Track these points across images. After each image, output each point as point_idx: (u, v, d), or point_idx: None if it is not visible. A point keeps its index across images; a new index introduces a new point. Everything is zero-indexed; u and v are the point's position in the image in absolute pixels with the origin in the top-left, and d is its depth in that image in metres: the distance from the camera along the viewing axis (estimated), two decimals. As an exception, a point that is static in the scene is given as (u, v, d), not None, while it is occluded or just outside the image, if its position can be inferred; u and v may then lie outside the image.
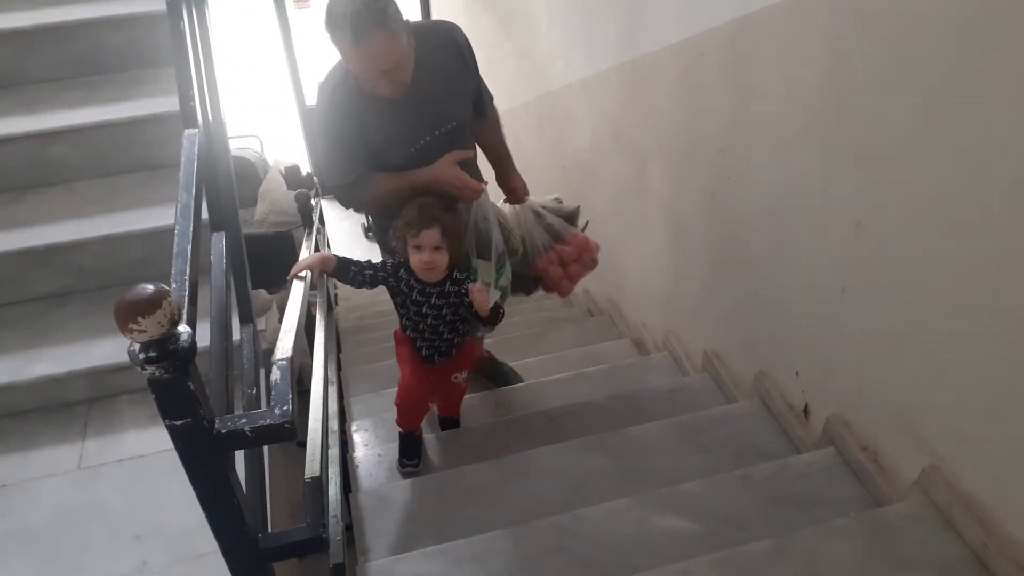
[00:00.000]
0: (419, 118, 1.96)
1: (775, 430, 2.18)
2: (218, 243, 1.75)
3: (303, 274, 1.85)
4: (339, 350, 3.93)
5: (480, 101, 2.19)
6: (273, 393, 1.13)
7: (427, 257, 1.88)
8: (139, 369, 0.98)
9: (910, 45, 1.41)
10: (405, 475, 2.28)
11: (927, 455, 1.62)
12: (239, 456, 1.52)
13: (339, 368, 3.53)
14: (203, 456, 1.08)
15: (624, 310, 3.47)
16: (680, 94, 2.47)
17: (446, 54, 2.02)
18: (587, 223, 2.40)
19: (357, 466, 2.41)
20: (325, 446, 1.62)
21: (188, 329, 1.00)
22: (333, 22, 1.70)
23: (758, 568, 1.62)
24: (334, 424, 2.31)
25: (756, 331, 2.30)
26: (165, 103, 2.30)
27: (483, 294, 1.92)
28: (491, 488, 2.10)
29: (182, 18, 1.66)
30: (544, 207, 2.33)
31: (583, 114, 3.46)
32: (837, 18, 1.61)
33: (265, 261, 4.03)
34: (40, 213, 2.26)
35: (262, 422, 1.08)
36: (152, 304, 0.94)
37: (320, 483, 1.35)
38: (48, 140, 2.29)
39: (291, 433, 1.10)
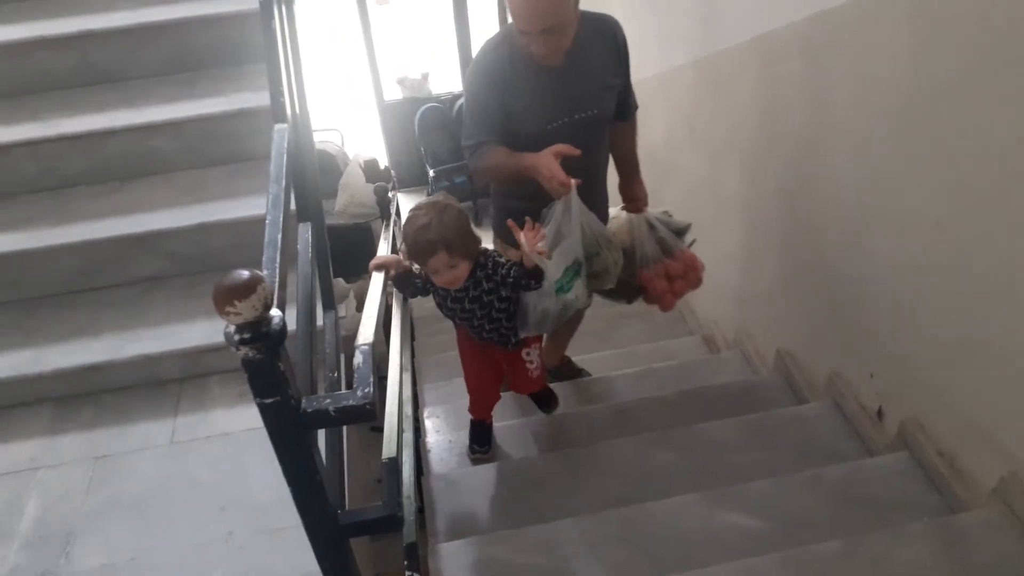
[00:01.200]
0: (564, 94, 1.95)
1: (848, 432, 2.15)
2: (304, 233, 1.83)
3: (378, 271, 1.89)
4: (413, 338, 4.03)
5: (626, 103, 2.18)
6: (356, 376, 1.18)
7: (447, 277, 1.81)
8: (234, 349, 1.04)
9: (1000, 43, 1.38)
10: (475, 461, 2.33)
11: (1006, 462, 1.58)
12: (320, 436, 1.59)
13: (413, 356, 3.62)
14: (290, 433, 1.14)
15: (695, 307, 3.45)
16: (757, 90, 2.45)
17: (604, 44, 2.01)
18: (694, 241, 2.38)
19: (429, 451, 2.48)
20: (401, 430, 1.68)
21: (280, 313, 1.06)
22: None
23: (826, 569, 1.61)
24: (408, 409, 2.38)
25: (830, 331, 2.27)
26: (255, 98, 2.40)
27: (531, 235, 1.78)
28: (558, 478, 2.14)
29: (274, 16, 1.74)
30: (659, 219, 2.32)
31: (658, 109, 3.45)
32: (920, 15, 1.58)
33: (344, 251, 4.15)
34: (139, 201, 2.39)
35: (345, 403, 1.14)
36: (248, 289, 1.00)
37: (396, 464, 1.40)
38: (147, 133, 2.42)
39: (372, 414, 1.16)
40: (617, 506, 1.99)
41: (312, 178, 2.01)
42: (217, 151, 2.47)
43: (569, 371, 2.86)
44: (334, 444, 1.61)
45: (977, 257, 1.54)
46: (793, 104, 2.22)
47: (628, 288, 2.34)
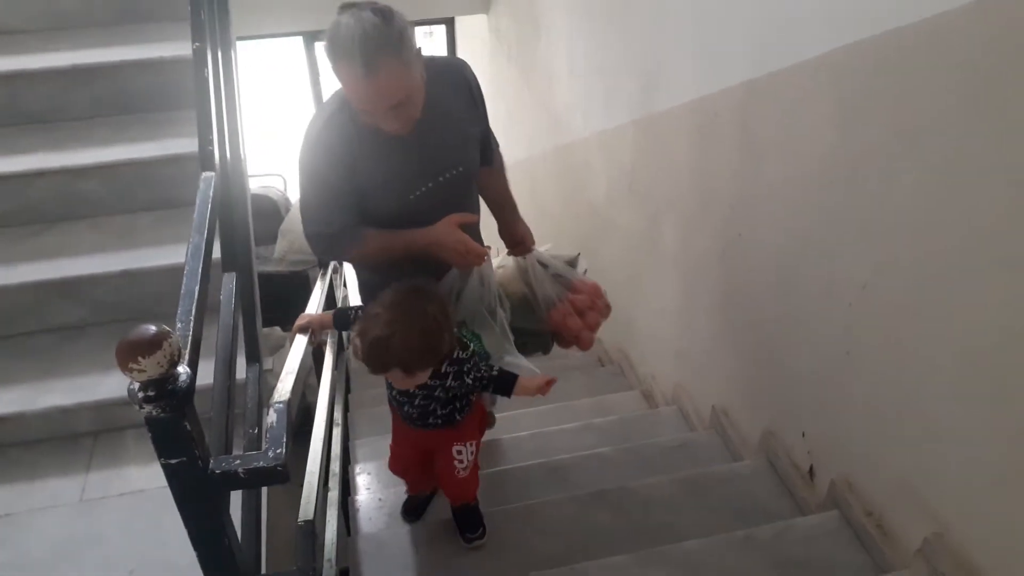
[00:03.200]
0: (422, 161, 1.73)
1: (780, 490, 2.15)
2: (228, 283, 1.78)
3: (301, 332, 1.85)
4: (348, 390, 3.94)
5: (488, 147, 1.99)
6: (268, 436, 1.14)
7: (404, 384, 1.67)
8: (137, 407, 0.99)
9: (913, 115, 1.43)
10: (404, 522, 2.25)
11: (931, 522, 1.59)
12: (236, 496, 1.52)
13: (347, 410, 3.54)
14: (196, 495, 1.09)
15: (634, 361, 3.46)
16: (693, 151, 2.51)
17: (456, 93, 1.81)
18: (586, 270, 2.29)
19: (358, 509, 2.40)
20: (321, 490, 1.63)
21: (187, 370, 1.02)
22: (339, 47, 1.46)
23: (754, 632, 1.59)
24: (336, 467, 2.32)
25: (764, 389, 2.29)
26: (189, 144, 2.34)
27: (537, 384, 1.75)
28: (490, 538, 2.08)
29: (206, 63, 1.71)
30: (550, 256, 2.20)
31: (599, 166, 3.51)
32: (842, 86, 1.63)
33: (281, 299, 4.08)
34: (64, 246, 2.31)
35: (255, 464, 1.09)
36: (153, 345, 0.96)
37: (312, 528, 1.35)
38: (77, 175, 2.35)
39: (284, 476, 1.11)
40: (549, 567, 1.95)
41: (242, 227, 1.97)
42: (147, 196, 2.41)
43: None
44: (251, 503, 1.54)
45: (904, 319, 1.57)
46: (725, 168, 2.27)
47: (539, 337, 2.20)
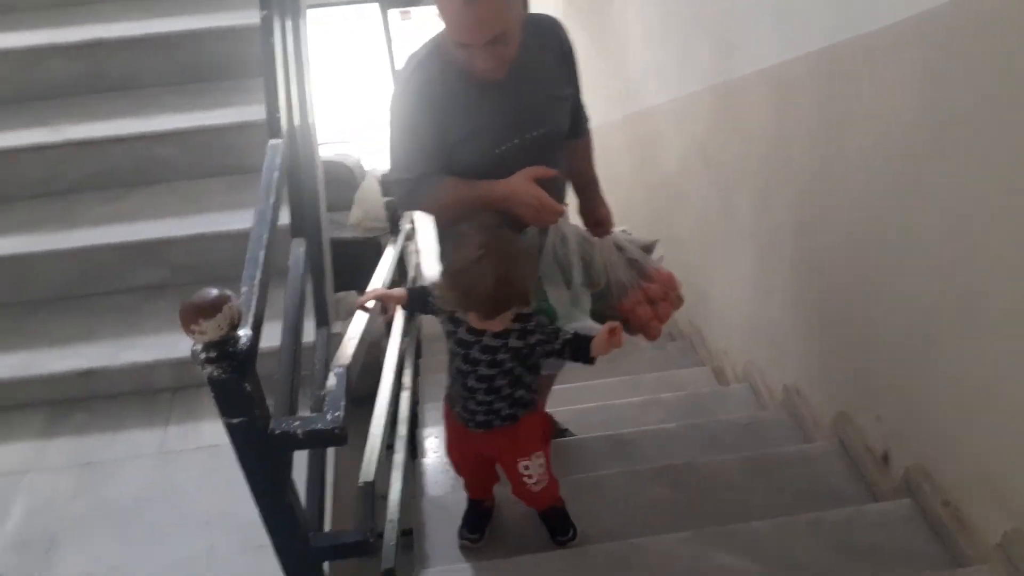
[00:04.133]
0: (512, 113, 1.68)
1: (852, 474, 2.08)
2: (297, 248, 1.81)
3: (369, 304, 1.71)
4: (419, 355, 4.00)
5: (578, 117, 1.94)
6: (328, 399, 1.15)
7: (475, 321, 1.55)
8: (199, 368, 1.02)
9: (1006, 80, 1.33)
10: (463, 548, 1.96)
11: (1013, 517, 1.51)
12: (302, 456, 1.56)
13: (417, 374, 3.58)
14: (257, 454, 1.11)
15: (706, 336, 3.39)
16: (769, 119, 2.41)
17: (551, 49, 1.76)
18: (661, 257, 2.14)
19: (424, 472, 2.44)
20: (385, 452, 1.65)
21: (248, 333, 1.04)
22: None
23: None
24: (404, 430, 2.35)
25: (839, 369, 2.21)
26: (260, 111, 2.38)
27: (615, 340, 1.54)
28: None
29: (273, 33, 1.72)
30: (627, 240, 2.06)
31: (673, 135, 3.42)
32: (929, 51, 1.53)
33: (355, 265, 4.15)
34: (143, 209, 2.40)
35: (314, 426, 1.11)
36: (213, 308, 0.98)
37: (373, 488, 1.37)
38: (153, 141, 2.44)
39: (341, 439, 1.13)
40: (608, 540, 1.94)
41: (310, 193, 1.99)
42: (220, 162, 2.47)
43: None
44: (316, 462, 1.57)
45: (992, 301, 1.48)
46: (803, 137, 2.18)
47: (605, 321, 2.10)
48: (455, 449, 1.88)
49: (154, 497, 1.91)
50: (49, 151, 2.43)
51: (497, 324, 1.52)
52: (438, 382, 3.35)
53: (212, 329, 0.99)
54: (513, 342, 1.58)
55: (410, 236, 5.50)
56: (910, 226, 1.70)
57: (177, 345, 2.17)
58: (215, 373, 1.02)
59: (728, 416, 2.65)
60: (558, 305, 1.80)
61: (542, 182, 1.67)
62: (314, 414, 1.14)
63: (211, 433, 2.07)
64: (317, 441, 1.12)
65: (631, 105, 4.01)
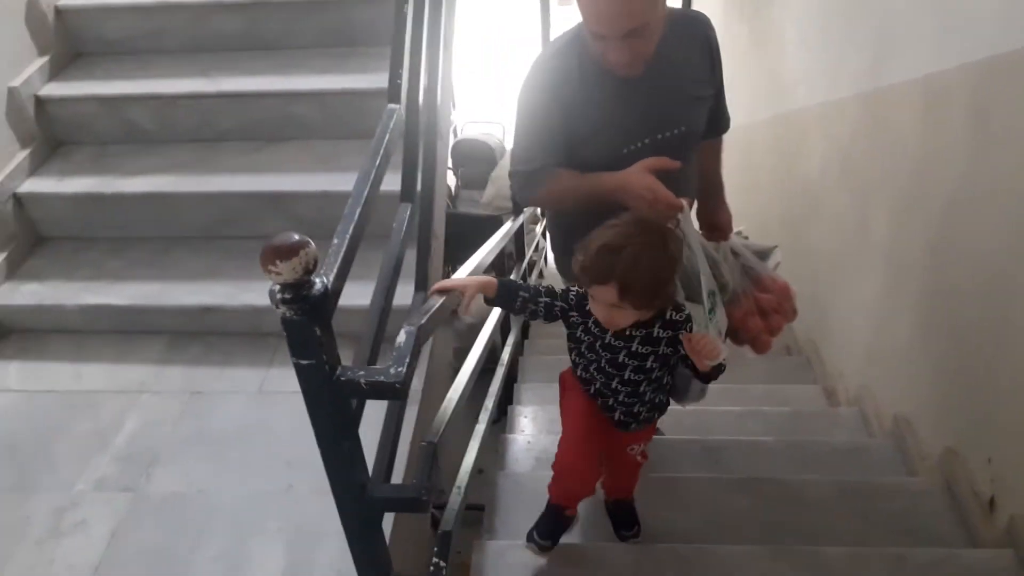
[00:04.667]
0: (645, 111, 1.61)
1: (952, 516, 1.94)
2: (403, 213, 1.87)
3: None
4: (527, 337, 4.04)
5: (717, 117, 1.83)
6: (395, 354, 1.19)
7: (602, 313, 1.42)
8: (275, 307, 1.08)
9: None
10: (530, 548, 1.86)
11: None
12: (380, 407, 1.61)
13: (520, 353, 3.62)
14: (322, 398, 1.16)
15: (823, 354, 3.23)
16: (916, 132, 2.26)
17: (695, 47, 1.67)
18: (779, 263, 2.00)
19: (508, 448, 2.47)
20: (461, 418, 1.68)
21: (324, 280, 1.09)
22: None
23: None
24: (491, 403, 2.38)
25: (954, 404, 2.05)
26: (399, 79, 2.48)
27: (703, 342, 1.38)
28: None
29: (407, 1, 1.78)
30: (744, 245, 1.93)
31: (815, 141, 3.26)
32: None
33: (479, 240, 4.23)
34: (278, 163, 2.53)
35: (376, 377, 1.14)
36: (291, 251, 1.03)
37: (434, 449, 1.40)
38: (294, 100, 2.57)
39: (401, 393, 1.16)
40: (679, 542, 1.90)
41: (429, 162, 2.04)
42: (354, 125, 2.56)
43: None
44: (392, 418, 1.62)
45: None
46: (951, 154, 2.02)
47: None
48: (581, 435, 1.67)
49: (247, 432, 2.03)
50: (205, 100, 2.62)
51: (624, 320, 1.41)
52: (541, 365, 3.39)
53: (288, 271, 1.03)
54: (664, 349, 1.49)
55: (537, 220, 5.54)
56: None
57: (289, 294, 2.29)
58: (287, 314, 1.07)
59: (829, 438, 2.52)
60: (695, 315, 1.57)
61: (665, 177, 1.54)
62: (381, 366, 1.18)
63: (308, 380, 2.17)
64: (378, 392, 1.15)
65: (779, 106, 3.86)
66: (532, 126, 1.67)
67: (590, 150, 1.63)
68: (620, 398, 1.59)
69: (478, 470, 2.22)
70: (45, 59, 2.68)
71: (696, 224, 1.92)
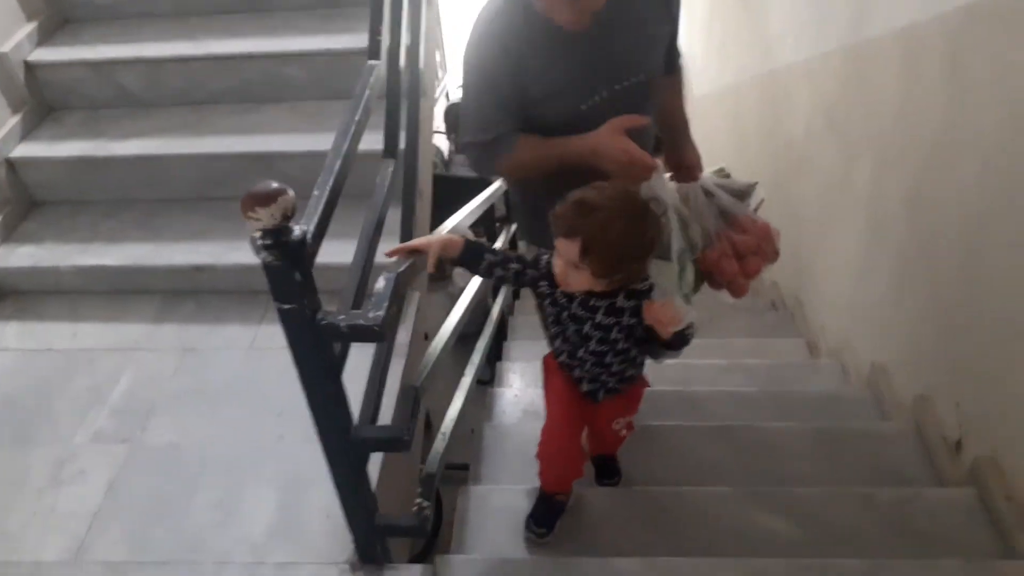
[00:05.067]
0: (599, 64, 1.53)
1: (921, 459, 2.01)
2: (386, 168, 1.91)
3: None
4: (517, 297, 4.09)
5: (672, 52, 1.72)
6: (373, 298, 1.24)
7: (559, 268, 1.37)
8: (255, 254, 1.13)
9: None
10: (528, 541, 1.82)
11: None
12: (367, 351, 1.64)
13: (510, 313, 3.68)
14: (304, 341, 1.22)
15: (806, 309, 3.29)
16: (897, 86, 2.28)
17: None
18: (762, 202, 1.88)
19: (495, 400, 2.53)
20: (445, 367, 1.74)
21: (303, 228, 1.14)
22: None
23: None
24: (478, 357, 2.45)
25: (927, 352, 2.11)
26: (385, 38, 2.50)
27: (663, 310, 1.36)
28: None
29: (385, -41, 1.81)
30: (717, 184, 1.78)
31: (801, 97, 3.28)
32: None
33: (465, 201, 4.26)
34: (266, 124, 2.56)
35: (356, 321, 1.20)
36: (269, 198, 1.09)
37: (415, 392, 1.46)
38: (282, 61, 2.59)
39: (379, 336, 1.21)
40: (657, 484, 1.97)
41: (413, 119, 2.08)
42: (341, 85, 2.57)
43: None
44: (378, 364, 1.66)
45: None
46: (930, 106, 2.05)
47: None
48: (561, 416, 1.70)
49: (240, 386, 2.09)
50: (193, 63, 2.64)
51: (580, 282, 1.37)
52: (529, 324, 3.45)
53: (266, 217, 1.09)
54: (627, 319, 1.47)
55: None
56: None
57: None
58: (267, 259, 1.12)
59: (808, 388, 2.59)
60: (659, 279, 1.50)
61: (632, 133, 1.50)
62: (359, 311, 1.23)
63: (298, 336, 2.23)
64: (358, 335, 1.20)
65: (767, 63, 3.87)
66: (483, 91, 1.57)
67: (547, 109, 1.56)
68: (587, 367, 1.58)
69: (470, 429, 2.29)
70: (34, 25, 2.69)
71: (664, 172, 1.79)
